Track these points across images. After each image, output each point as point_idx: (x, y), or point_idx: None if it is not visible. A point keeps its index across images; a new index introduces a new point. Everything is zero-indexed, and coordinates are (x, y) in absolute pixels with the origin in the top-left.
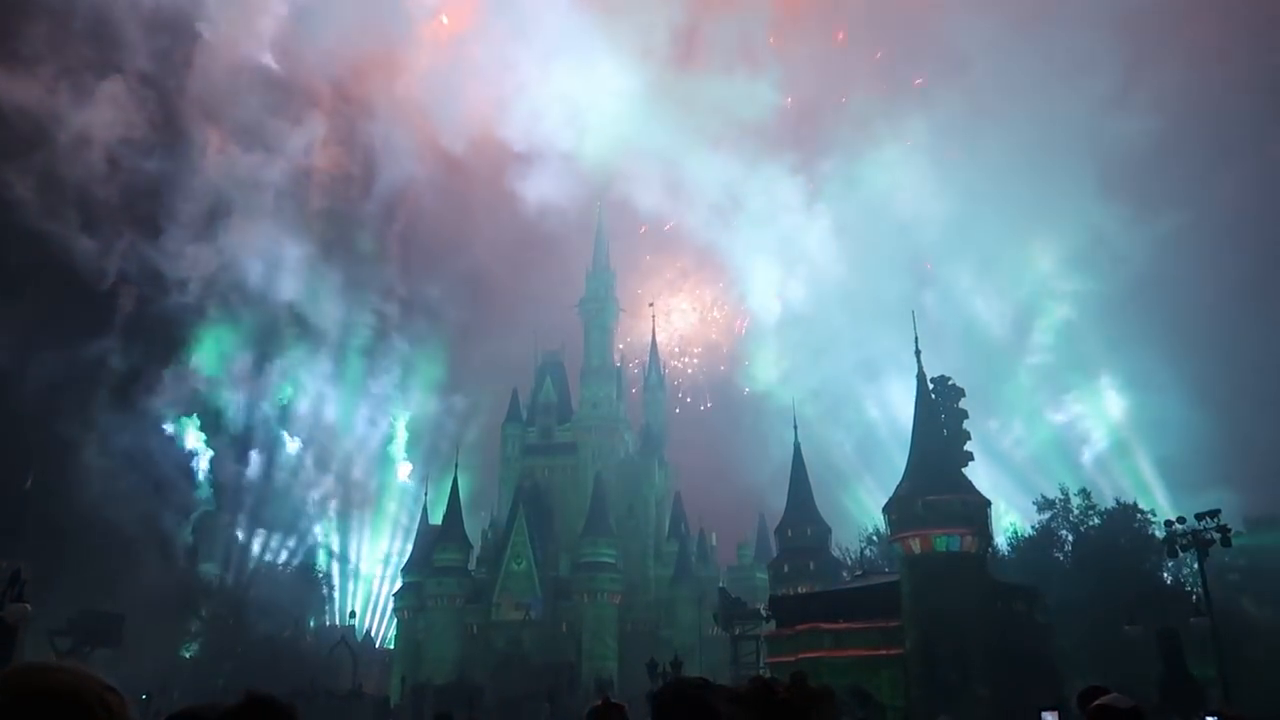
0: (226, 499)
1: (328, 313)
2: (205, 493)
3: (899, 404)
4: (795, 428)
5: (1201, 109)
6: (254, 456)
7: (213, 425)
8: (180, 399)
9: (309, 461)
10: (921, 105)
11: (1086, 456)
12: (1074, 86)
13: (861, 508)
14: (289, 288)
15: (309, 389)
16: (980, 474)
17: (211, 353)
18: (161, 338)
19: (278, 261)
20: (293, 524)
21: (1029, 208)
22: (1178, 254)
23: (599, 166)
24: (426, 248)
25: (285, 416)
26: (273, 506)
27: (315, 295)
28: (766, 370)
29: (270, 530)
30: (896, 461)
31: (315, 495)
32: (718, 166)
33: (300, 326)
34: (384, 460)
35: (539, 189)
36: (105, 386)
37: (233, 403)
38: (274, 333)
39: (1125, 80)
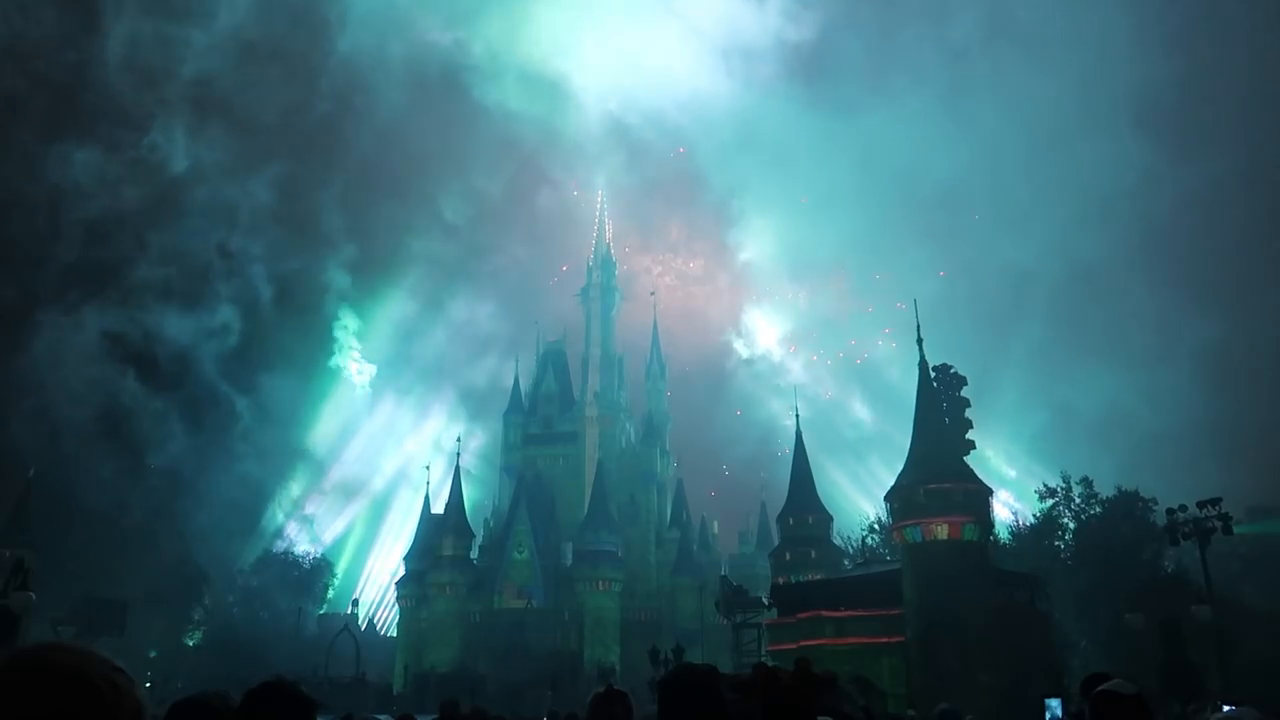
0: (187, 475)
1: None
2: (161, 461)
3: (903, 381)
4: (796, 415)
5: (1228, 50)
6: (212, 423)
7: (151, 375)
8: (109, 343)
9: (288, 439)
10: (938, 42)
11: (1086, 435)
12: (1099, 25)
13: (851, 502)
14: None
15: (271, 345)
16: (979, 457)
17: (149, 290)
18: (82, 271)
19: (216, 173)
20: (271, 508)
21: (1050, 157)
22: (1206, 205)
23: (597, 93)
24: (401, 185)
25: (238, 379)
26: (245, 490)
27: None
28: (769, 332)
29: (247, 514)
30: (899, 441)
31: (296, 478)
32: (725, 97)
33: (237, 265)
34: (381, 451)
35: (510, 104)
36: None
37: (174, 351)
38: (212, 272)
39: (1153, 14)
